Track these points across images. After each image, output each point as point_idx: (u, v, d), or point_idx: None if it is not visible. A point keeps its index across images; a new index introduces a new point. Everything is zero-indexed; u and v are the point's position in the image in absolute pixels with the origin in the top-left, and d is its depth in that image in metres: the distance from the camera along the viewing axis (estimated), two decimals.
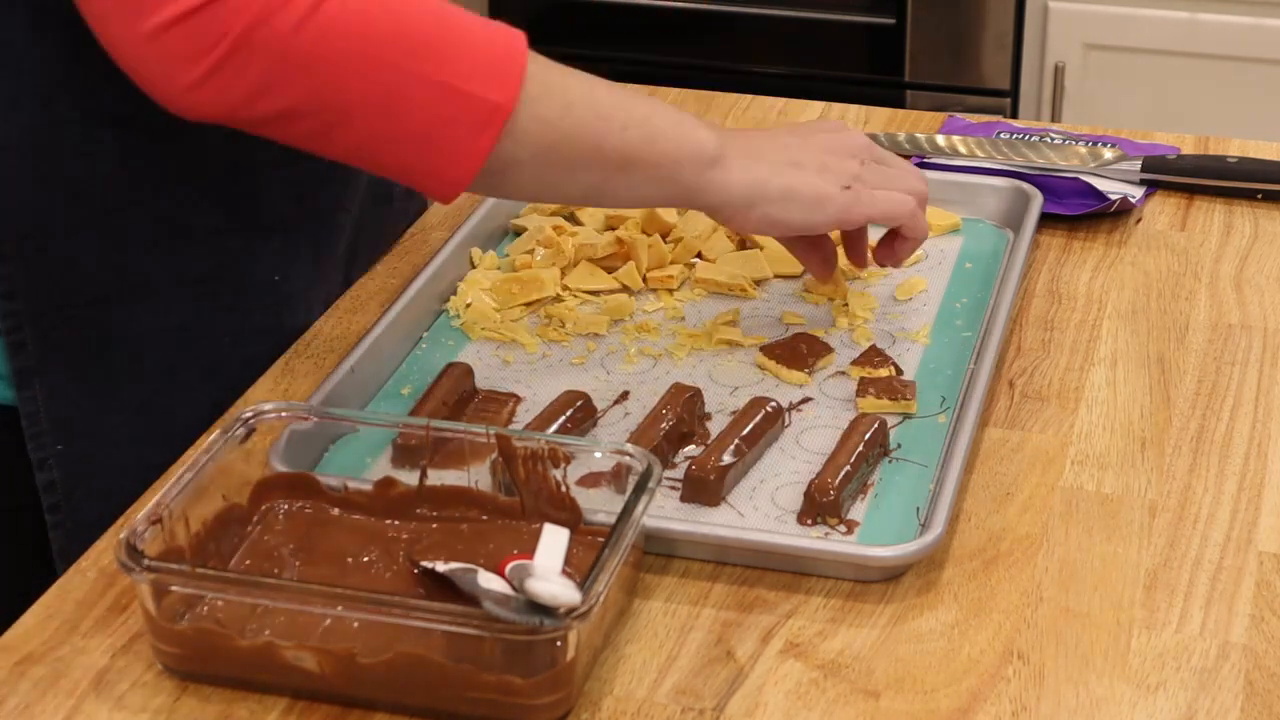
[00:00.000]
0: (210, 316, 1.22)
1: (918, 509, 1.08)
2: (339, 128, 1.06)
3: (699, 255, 1.36)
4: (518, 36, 1.09)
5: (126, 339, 1.19)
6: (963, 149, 1.52)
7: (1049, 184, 1.45)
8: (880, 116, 1.62)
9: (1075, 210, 1.42)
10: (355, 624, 0.94)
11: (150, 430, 1.20)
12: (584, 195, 1.17)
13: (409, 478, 1.04)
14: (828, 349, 1.24)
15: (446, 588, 0.95)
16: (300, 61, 1.03)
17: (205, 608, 0.96)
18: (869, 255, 1.28)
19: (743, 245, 1.37)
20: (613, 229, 1.38)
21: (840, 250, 1.37)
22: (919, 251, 1.37)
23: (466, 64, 1.06)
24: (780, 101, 1.65)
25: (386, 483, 1.04)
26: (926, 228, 1.23)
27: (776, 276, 1.35)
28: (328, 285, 1.31)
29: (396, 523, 1.04)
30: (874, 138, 1.56)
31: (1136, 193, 1.46)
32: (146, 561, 0.93)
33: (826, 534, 1.06)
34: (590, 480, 1.04)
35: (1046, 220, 1.41)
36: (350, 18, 1.03)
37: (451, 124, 1.06)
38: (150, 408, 1.21)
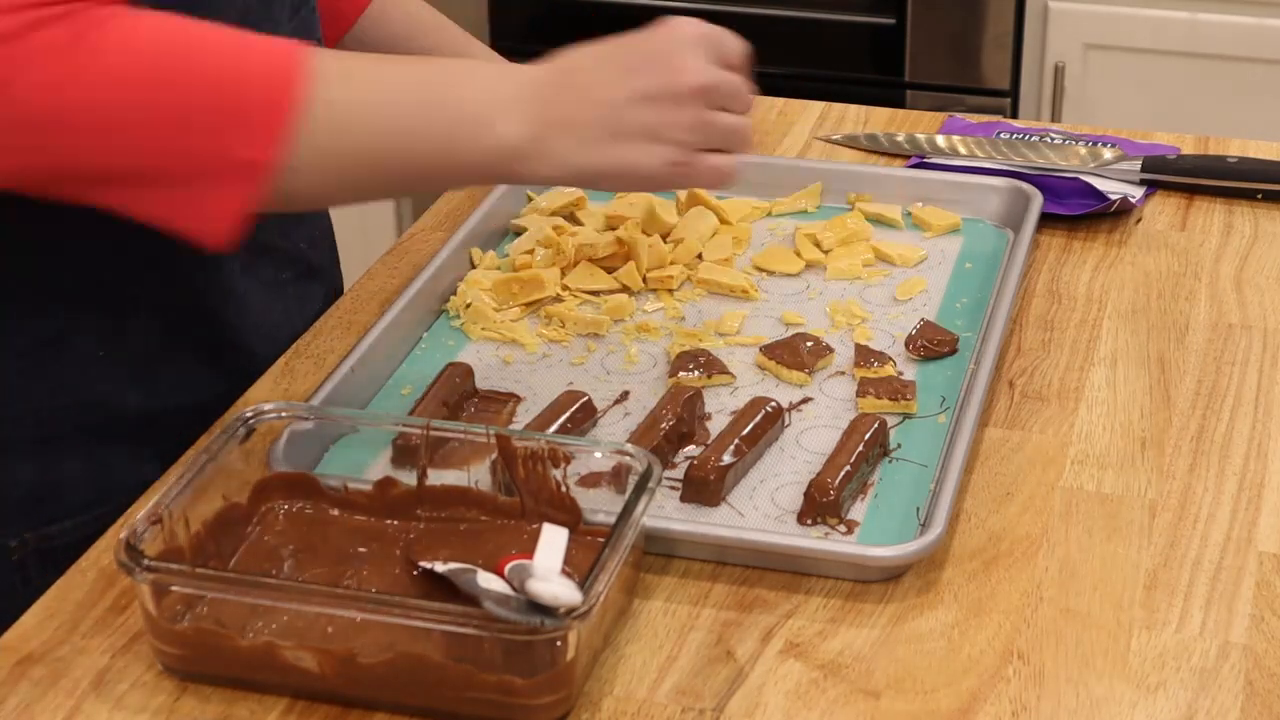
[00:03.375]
0: (35, 390, 1.16)
1: (918, 509, 1.08)
2: (103, 189, 1.01)
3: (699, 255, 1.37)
4: (285, 75, 1.01)
5: None
6: (963, 149, 1.52)
7: (1049, 184, 1.45)
8: (880, 116, 1.62)
9: (1075, 210, 1.42)
10: (355, 624, 0.93)
11: None
12: (389, 194, 1.14)
13: (409, 478, 1.04)
14: (828, 349, 1.24)
15: (446, 588, 0.95)
16: (34, 128, 0.97)
17: (205, 608, 0.96)
18: None
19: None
20: (613, 229, 1.38)
21: (840, 250, 1.37)
22: (920, 250, 1.37)
23: (225, 120, 0.99)
24: (780, 101, 1.65)
25: (386, 483, 1.04)
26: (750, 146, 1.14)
27: (776, 276, 1.35)
28: (183, 368, 1.22)
29: (396, 523, 1.04)
30: (873, 138, 1.56)
31: (1136, 193, 1.46)
32: (146, 561, 0.93)
33: (826, 534, 1.06)
34: (590, 480, 1.04)
35: (1046, 220, 1.41)
36: (91, 83, 0.97)
37: (209, 184, 1.00)
38: None
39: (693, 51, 1.09)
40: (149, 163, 1.00)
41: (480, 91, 1.07)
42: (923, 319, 1.27)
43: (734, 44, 1.12)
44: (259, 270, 1.25)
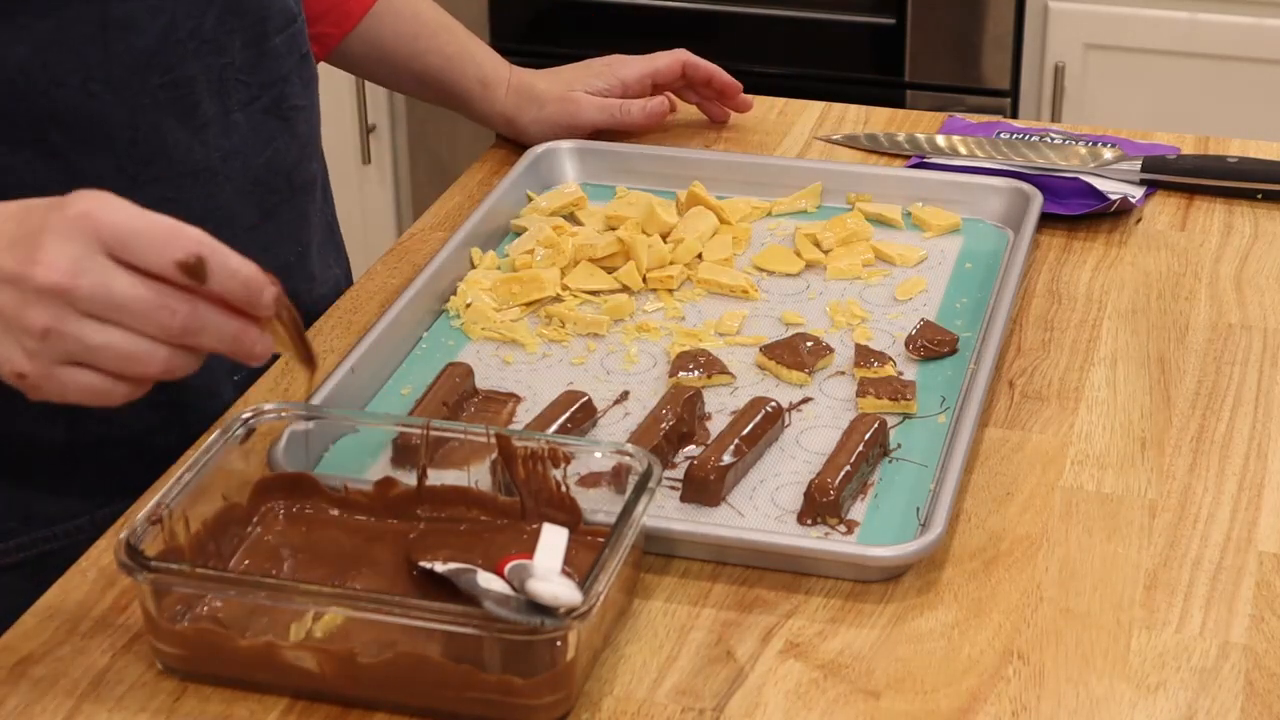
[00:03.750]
0: None
1: (918, 509, 1.08)
2: None
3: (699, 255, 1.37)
4: None
5: None
6: (963, 149, 1.52)
7: (1049, 184, 1.45)
8: (880, 116, 1.62)
9: (1075, 210, 1.42)
10: (355, 624, 0.93)
11: None
12: None
13: (409, 478, 1.04)
14: (828, 349, 1.24)
15: (446, 588, 0.95)
16: None
17: (205, 608, 0.96)
18: None
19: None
20: (613, 229, 1.38)
21: (840, 250, 1.37)
22: (920, 250, 1.37)
23: None
24: (780, 101, 1.65)
25: (386, 483, 1.04)
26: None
27: (776, 276, 1.35)
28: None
29: (396, 523, 1.04)
30: (873, 138, 1.56)
31: (1136, 193, 1.46)
32: (146, 561, 0.93)
33: (826, 534, 1.06)
34: (590, 480, 1.04)
35: (1046, 220, 1.41)
36: None
37: None
38: None
39: (70, 243, 0.89)
40: None
41: None
42: (923, 319, 1.27)
43: (158, 253, 0.90)
44: None
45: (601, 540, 0.95)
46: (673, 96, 1.58)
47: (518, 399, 1.20)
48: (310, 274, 1.34)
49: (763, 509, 1.09)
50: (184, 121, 1.18)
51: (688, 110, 1.61)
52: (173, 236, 0.90)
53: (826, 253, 1.37)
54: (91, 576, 1.04)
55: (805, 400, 1.20)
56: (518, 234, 1.42)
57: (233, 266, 0.91)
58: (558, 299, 1.31)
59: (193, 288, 0.90)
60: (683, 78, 1.56)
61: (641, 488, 0.98)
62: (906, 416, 1.17)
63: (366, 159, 2.95)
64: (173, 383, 1.00)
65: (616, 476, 1.03)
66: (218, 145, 1.21)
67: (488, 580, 0.93)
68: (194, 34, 1.17)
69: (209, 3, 1.18)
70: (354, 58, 1.50)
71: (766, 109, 1.64)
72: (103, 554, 1.05)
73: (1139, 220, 1.43)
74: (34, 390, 0.91)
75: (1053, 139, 1.54)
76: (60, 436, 1.18)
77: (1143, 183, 1.48)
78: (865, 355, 1.23)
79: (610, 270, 1.34)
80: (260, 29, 1.24)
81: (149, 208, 0.95)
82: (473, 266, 1.36)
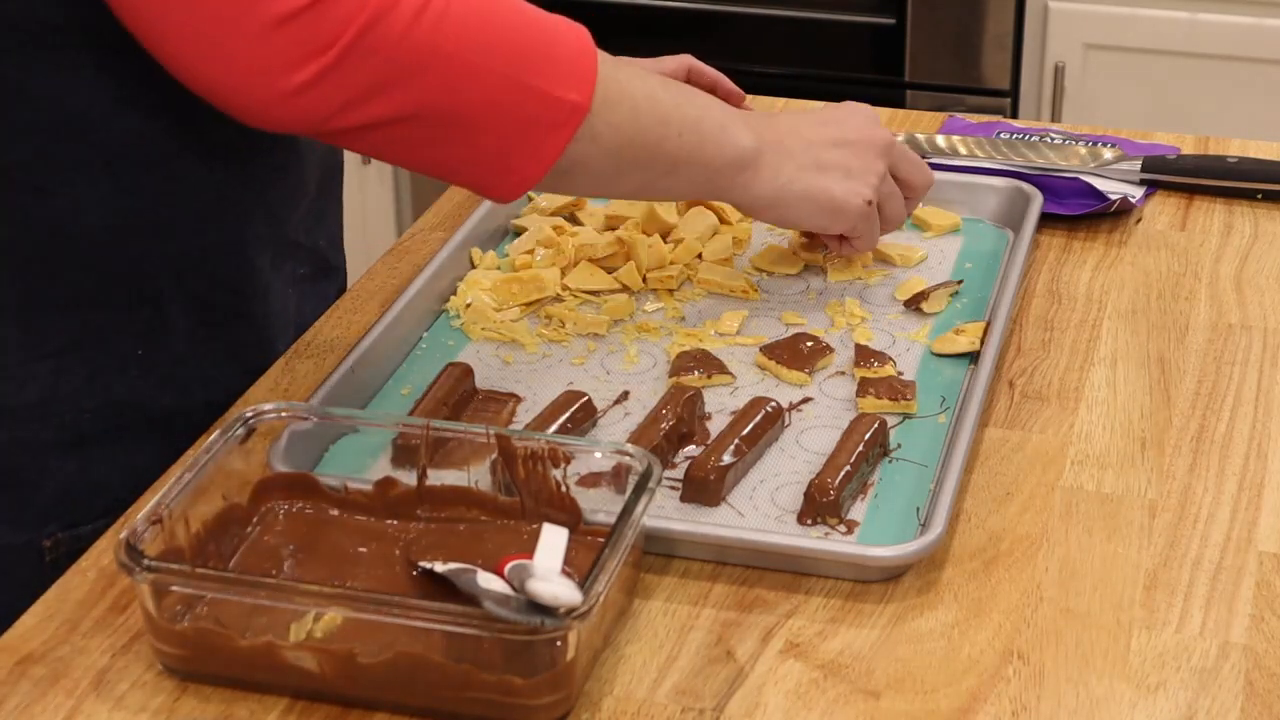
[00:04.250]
0: (69, 390, 1.16)
1: (918, 509, 1.08)
2: (432, 131, 1.05)
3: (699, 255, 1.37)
4: (585, 34, 1.10)
5: None
6: (963, 149, 1.52)
7: (1049, 184, 1.45)
8: (880, 116, 1.61)
9: (1075, 210, 1.42)
10: (355, 624, 0.93)
11: (9, 508, 1.17)
12: (632, 193, 1.21)
13: (409, 478, 1.04)
14: (828, 349, 1.24)
15: (446, 588, 0.95)
16: (409, 66, 1.02)
17: (205, 608, 0.96)
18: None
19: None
20: (613, 229, 1.38)
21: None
22: (920, 250, 1.37)
23: (551, 65, 1.07)
24: (780, 101, 1.65)
25: (386, 483, 1.04)
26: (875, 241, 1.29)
27: (776, 276, 1.35)
28: (213, 365, 1.22)
29: (396, 523, 1.04)
30: None
31: (1136, 193, 1.46)
32: (146, 561, 0.92)
33: (826, 534, 1.06)
34: (590, 480, 1.04)
35: (1046, 220, 1.41)
36: (454, 22, 1.03)
37: (534, 125, 1.07)
38: (8, 484, 1.17)
39: (875, 122, 1.26)
40: (499, 100, 1.05)
41: (714, 106, 1.19)
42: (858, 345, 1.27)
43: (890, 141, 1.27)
44: (285, 267, 1.27)
45: (601, 540, 0.95)
46: None
47: (518, 399, 1.20)
48: (342, 248, 1.38)
49: (763, 509, 1.09)
50: None
51: None
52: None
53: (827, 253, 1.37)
54: (91, 576, 1.04)
55: (805, 400, 1.20)
56: (518, 234, 1.42)
57: None
58: (558, 299, 1.31)
59: None
60: (687, 83, 1.55)
61: (641, 488, 0.98)
62: (906, 416, 1.17)
63: (367, 159, 2.95)
64: (268, 348, 1.25)
65: (616, 476, 1.03)
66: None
67: (488, 580, 0.93)
68: None
69: None
70: None
71: (766, 109, 1.63)
72: (103, 554, 1.05)
73: (1139, 220, 1.43)
74: (867, 218, 1.25)
75: (1053, 139, 1.54)
76: (169, 402, 1.19)
77: (1143, 183, 1.48)
78: (865, 355, 1.23)
79: (610, 270, 1.34)
80: None
81: (258, 176, 1.19)
82: (473, 266, 1.36)
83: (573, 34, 1.09)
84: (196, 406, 1.19)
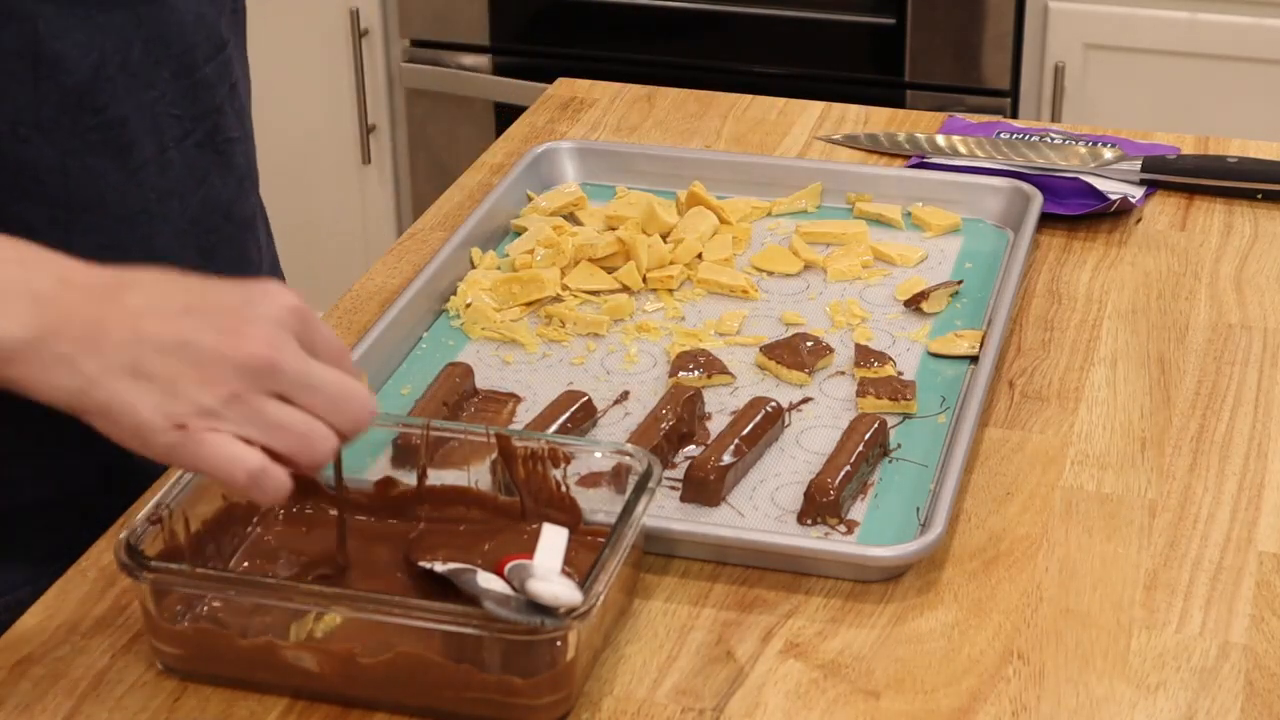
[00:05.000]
0: None
1: (918, 509, 1.08)
2: None
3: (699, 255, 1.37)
4: None
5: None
6: (963, 149, 1.52)
7: (1049, 184, 1.45)
8: (880, 116, 1.62)
9: (1075, 210, 1.42)
10: (355, 624, 0.93)
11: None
12: None
13: (409, 478, 1.04)
14: (828, 349, 1.24)
15: (446, 588, 0.95)
16: None
17: (205, 608, 0.96)
18: None
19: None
20: (613, 229, 1.38)
21: (840, 251, 1.37)
22: (920, 250, 1.37)
23: None
24: (780, 101, 1.65)
25: (386, 483, 1.04)
26: (281, 489, 0.92)
27: (776, 276, 1.35)
28: None
29: (396, 523, 1.04)
30: (873, 138, 1.56)
31: (1136, 193, 1.46)
32: (147, 561, 0.93)
33: (826, 534, 1.06)
34: (590, 480, 1.04)
35: (1046, 220, 1.41)
36: None
37: None
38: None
39: (269, 324, 0.91)
40: None
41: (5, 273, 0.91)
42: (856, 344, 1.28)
43: (328, 335, 0.94)
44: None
45: (601, 540, 0.95)
46: None
47: (518, 399, 1.20)
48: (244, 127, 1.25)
49: (763, 509, 1.09)
50: (119, 163, 1.12)
51: (688, 110, 1.61)
52: (324, 326, 0.94)
53: (826, 253, 1.37)
54: (91, 576, 1.04)
55: (805, 400, 1.20)
56: (518, 234, 1.42)
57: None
58: (558, 299, 1.31)
59: None
60: None
61: (641, 488, 0.98)
62: (906, 416, 1.17)
63: (366, 159, 2.95)
64: (110, 442, 0.98)
65: (616, 476, 1.03)
66: (154, 186, 1.14)
67: (488, 580, 0.93)
68: (122, 68, 1.10)
69: (135, 30, 1.11)
70: None
71: (766, 109, 1.64)
72: (103, 554, 1.05)
73: (1139, 220, 1.43)
74: (179, 448, 0.90)
75: (1053, 139, 1.54)
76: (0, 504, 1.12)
77: (1143, 183, 1.48)
78: (865, 355, 1.23)
79: (610, 270, 1.34)
80: (189, 58, 1.16)
81: (84, 256, 0.95)
82: (473, 266, 1.36)
83: None
84: (29, 503, 1.13)
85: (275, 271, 1.34)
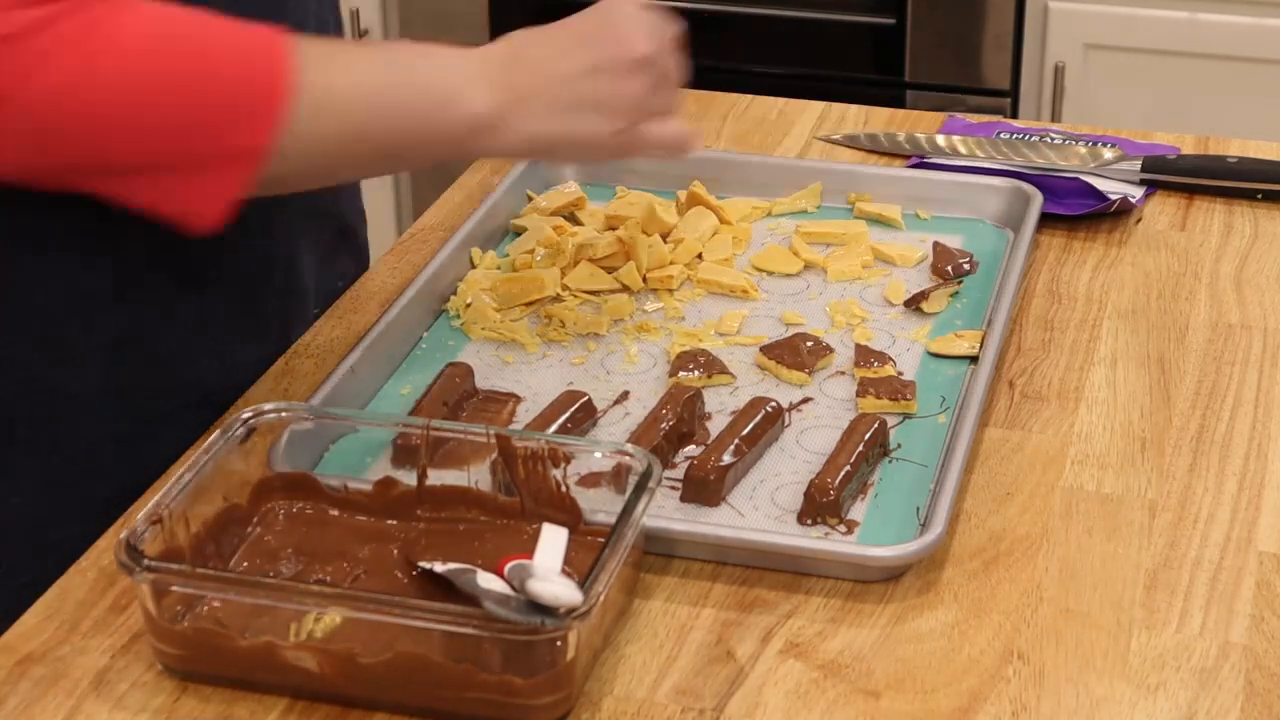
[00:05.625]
0: (124, 381, 1.16)
1: (918, 509, 1.08)
2: (107, 181, 1.03)
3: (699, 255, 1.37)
4: (275, 55, 1.04)
5: (34, 408, 1.14)
6: (963, 149, 1.52)
7: (1049, 184, 1.45)
8: (880, 116, 1.62)
9: (1075, 210, 1.42)
10: (355, 624, 0.93)
11: (56, 508, 1.15)
12: (365, 174, 1.22)
13: (409, 478, 1.04)
14: (828, 349, 1.24)
15: (446, 588, 0.95)
16: (53, 128, 1.00)
17: (205, 608, 0.96)
18: None
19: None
20: (613, 229, 1.38)
21: (840, 251, 1.37)
22: (920, 250, 1.37)
23: (222, 111, 1.03)
24: (780, 101, 1.65)
25: (386, 483, 1.04)
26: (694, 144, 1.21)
27: (776, 276, 1.35)
28: (259, 344, 1.25)
29: (396, 523, 1.04)
30: (873, 138, 1.56)
31: (1136, 193, 1.46)
32: (146, 561, 0.93)
33: (826, 534, 1.06)
34: (590, 480, 1.04)
35: (1046, 220, 1.41)
36: (107, 73, 0.99)
37: (204, 170, 1.03)
38: (57, 483, 1.16)
39: (637, 24, 1.14)
40: (149, 157, 1.02)
41: (446, 69, 1.11)
42: (935, 241, 1.36)
43: (671, 23, 1.17)
44: (310, 235, 1.28)
45: (601, 540, 0.95)
46: None
47: (518, 399, 1.20)
48: (360, 247, 1.40)
49: (763, 509, 1.09)
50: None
51: (688, 110, 1.61)
52: (666, 15, 1.17)
53: (826, 253, 1.37)
54: (91, 576, 1.04)
55: (805, 400, 1.20)
56: (518, 234, 1.42)
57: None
58: (558, 299, 1.31)
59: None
60: None
61: (641, 488, 0.98)
62: (906, 416, 1.17)
63: None
64: (300, 318, 1.27)
65: (616, 476, 1.03)
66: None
67: (487, 580, 0.93)
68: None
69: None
70: None
71: (766, 109, 1.64)
72: (103, 554, 1.05)
73: (1139, 220, 1.43)
74: (627, 146, 1.15)
75: (1053, 139, 1.54)
76: (217, 380, 1.20)
77: (1143, 183, 1.48)
78: (865, 355, 1.23)
79: (610, 270, 1.34)
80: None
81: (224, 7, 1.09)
82: (473, 266, 1.36)
83: (259, 61, 1.04)
84: (245, 384, 1.22)
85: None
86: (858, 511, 1.08)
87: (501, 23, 2.85)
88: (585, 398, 1.17)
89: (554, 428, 1.13)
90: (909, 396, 1.17)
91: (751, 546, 1.03)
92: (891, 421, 1.16)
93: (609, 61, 1.13)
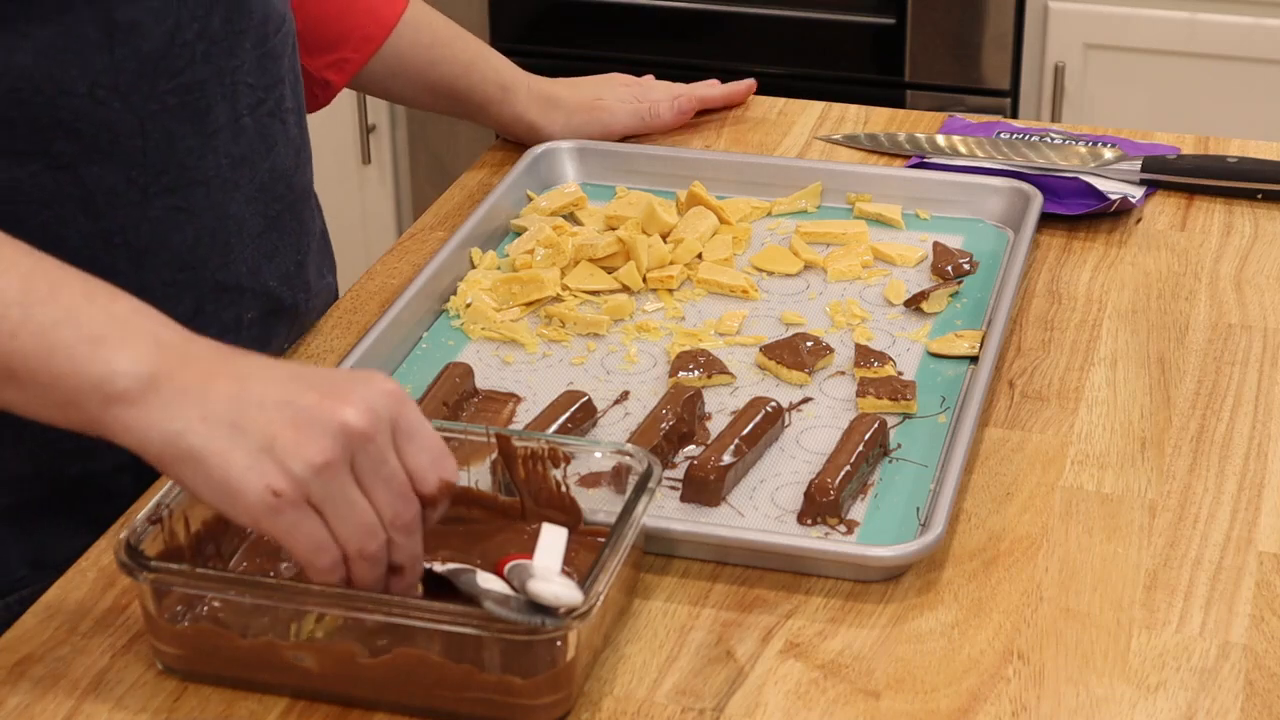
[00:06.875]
0: None
1: (918, 509, 1.08)
2: None
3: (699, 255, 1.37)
4: None
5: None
6: (963, 149, 1.52)
7: (1049, 184, 1.45)
8: (880, 116, 1.62)
9: (1075, 210, 1.42)
10: (355, 624, 0.93)
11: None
12: None
13: None
14: (828, 349, 1.24)
15: (446, 588, 0.95)
16: None
17: (205, 608, 0.96)
18: None
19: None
20: (613, 229, 1.38)
21: (840, 251, 1.37)
22: (920, 250, 1.37)
23: None
24: (780, 101, 1.65)
25: None
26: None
27: (776, 276, 1.35)
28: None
29: None
30: (873, 138, 1.56)
31: (1136, 193, 1.46)
32: (147, 561, 0.92)
33: (826, 534, 1.06)
34: (590, 480, 1.04)
35: (1046, 220, 1.41)
36: None
37: None
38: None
39: (368, 397, 0.91)
40: None
41: (107, 312, 0.93)
42: (935, 241, 1.35)
43: (431, 459, 0.93)
44: (219, 311, 1.21)
45: (601, 540, 0.95)
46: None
47: (518, 399, 1.20)
48: (306, 283, 1.31)
49: (763, 509, 1.09)
50: (195, 128, 1.16)
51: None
52: (446, 454, 0.94)
53: (826, 253, 1.37)
54: (91, 576, 1.04)
55: (805, 400, 1.20)
56: (518, 234, 1.42)
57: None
58: (558, 299, 1.31)
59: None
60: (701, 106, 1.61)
61: (641, 488, 0.98)
62: (906, 416, 1.17)
63: (366, 159, 2.95)
64: None
65: (616, 476, 1.03)
66: (227, 152, 1.19)
67: (487, 580, 0.93)
68: (202, 35, 1.15)
69: (214, 3, 1.16)
70: (371, 77, 1.49)
71: (766, 109, 1.64)
72: (103, 554, 1.05)
73: (1139, 220, 1.43)
74: (275, 515, 0.89)
75: (1053, 139, 1.54)
76: (77, 471, 1.16)
77: (1143, 183, 1.48)
78: (865, 355, 1.23)
79: (610, 270, 1.34)
80: (263, 30, 1.21)
81: (160, 219, 1.01)
82: (473, 266, 1.36)
83: None
84: (106, 471, 1.16)
85: (325, 243, 1.39)
86: (858, 511, 1.08)
87: (502, 22, 2.85)
88: (585, 398, 1.17)
89: (554, 428, 1.13)
90: (909, 396, 1.17)
91: (751, 546, 1.03)
92: (891, 421, 1.16)
93: (311, 404, 0.90)
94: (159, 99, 1.13)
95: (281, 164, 1.26)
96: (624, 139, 1.54)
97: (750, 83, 1.62)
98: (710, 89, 1.60)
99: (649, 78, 1.60)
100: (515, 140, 1.55)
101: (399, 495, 0.91)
